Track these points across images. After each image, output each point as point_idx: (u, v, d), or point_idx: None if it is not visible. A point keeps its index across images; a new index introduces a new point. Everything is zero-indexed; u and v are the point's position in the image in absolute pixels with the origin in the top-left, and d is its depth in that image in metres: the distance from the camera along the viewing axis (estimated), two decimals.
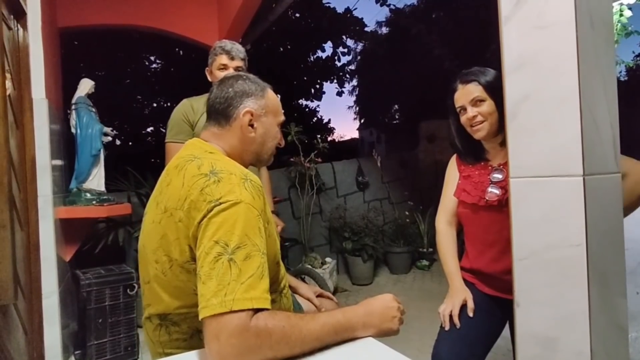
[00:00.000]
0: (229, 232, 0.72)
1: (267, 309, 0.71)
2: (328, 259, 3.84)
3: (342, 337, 0.77)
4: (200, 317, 0.69)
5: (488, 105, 1.22)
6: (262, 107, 0.96)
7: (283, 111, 1.04)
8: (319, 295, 1.29)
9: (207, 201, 0.75)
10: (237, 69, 1.81)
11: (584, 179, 0.80)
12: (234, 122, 0.94)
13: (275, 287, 0.94)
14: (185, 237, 0.78)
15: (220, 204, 0.74)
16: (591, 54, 0.84)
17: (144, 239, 0.90)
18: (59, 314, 2.02)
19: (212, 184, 0.77)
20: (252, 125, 0.94)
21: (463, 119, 1.27)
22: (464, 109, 1.26)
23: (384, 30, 10.40)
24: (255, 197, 0.78)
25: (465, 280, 1.34)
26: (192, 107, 1.83)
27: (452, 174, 1.42)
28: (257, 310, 0.69)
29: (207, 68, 1.87)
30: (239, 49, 1.83)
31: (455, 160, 1.43)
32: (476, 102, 1.23)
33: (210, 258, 0.70)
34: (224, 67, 1.80)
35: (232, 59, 1.80)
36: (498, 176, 1.25)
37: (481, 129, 1.23)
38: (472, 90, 1.24)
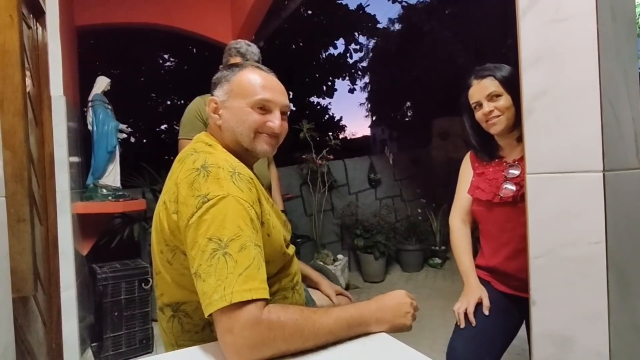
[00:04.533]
0: (220, 227, 0.72)
1: (266, 299, 0.71)
2: (340, 256, 3.84)
3: (355, 332, 0.77)
4: (205, 315, 0.70)
5: (505, 100, 1.21)
6: (225, 92, 0.93)
7: (268, 88, 0.92)
8: (339, 294, 1.29)
9: (195, 196, 0.76)
10: None
11: (603, 175, 0.78)
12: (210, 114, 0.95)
13: (286, 282, 0.94)
14: (179, 228, 0.79)
15: (208, 200, 0.74)
16: (612, 47, 0.82)
17: (152, 230, 0.92)
18: (77, 306, 2.07)
19: (201, 179, 0.78)
20: (219, 114, 0.94)
21: (478, 114, 1.26)
22: (479, 104, 1.25)
23: (397, 26, 10.30)
24: (244, 190, 0.79)
25: (480, 279, 1.33)
26: (206, 104, 1.86)
27: (466, 171, 1.41)
28: (266, 303, 0.70)
29: (220, 66, 1.87)
30: (253, 52, 1.80)
31: (470, 158, 1.41)
32: (492, 97, 1.22)
33: (206, 256, 0.71)
34: None
35: (247, 60, 1.77)
36: (514, 172, 1.24)
37: (497, 123, 1.22)
38: (488, 85, 1.22)
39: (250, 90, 0.91)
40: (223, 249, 0.70)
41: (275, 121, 0.92)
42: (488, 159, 1.33)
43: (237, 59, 1.76)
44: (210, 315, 0.70)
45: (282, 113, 0.95)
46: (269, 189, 1.94)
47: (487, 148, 1.33)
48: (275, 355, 0.69)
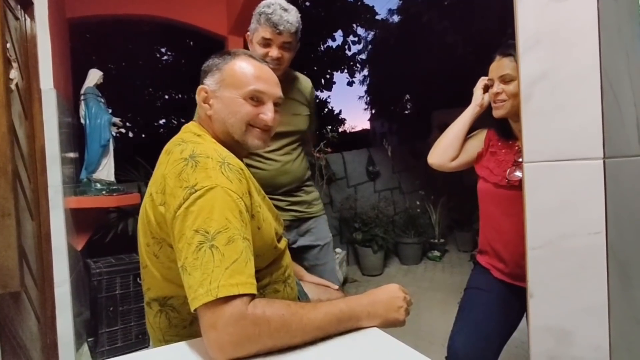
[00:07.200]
0: (207, 219, 0.70)
1: (253, 294, 0.68)
2: (338, 250, 3.82)
3: (346, 327, 0.75)
4: (192, 309, 0.67)
5: (515, 86, 1.15)
6: (216, 82, 0.90)
7: (261, 78, 0.89)
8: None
9: (183, 187, 0.73)
10: (283, 46, 1.37)
11: (604, 162, 0.75)
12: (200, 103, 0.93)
13: (277, 275, 0.91)
14: (166, 220, 0.77)
15: (196, 191, 0.72)
16: (614, 28, 0.79)
17: (139, 223, 0.89)
18: (71, 302, 2.05)
19: (189, 169, 0.75)
20: (210, 104, 0.91)
21: (490, 92, 1.22)
22: (492, 82, 1.21)
23: (395, 18, 10.19)
24: (233, 181, 0.76)
25: (481, 266, 1.31)
26: None
27: (478, 139, 1.36)
28: (252, 298, 0.68)
29: (247, 33, 1.44)
30: (289, 21, 1.34)
31: (487, 134, 1.36)
32: (505, 79, 1.17)
33: (192, 248, 0.69)
34: (267, 42, 1.36)
35: (280, 33, 1.34)
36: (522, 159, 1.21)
37: (501, 107, 1.19)
38: (505, 66, 1.17)
39: (243, 80, 0.88)
40: (210, 242, 0.68)
41: (269, 113, 0.90)
42: (503, 136, 1.28)
43: (267, 31, 1.34)
44: (196, 310, 0.67)
45: (275, 104, 0.93)
46: (302, 184, 1.62)
47: (502, 126, 1.28)
48: (260, 352, 0.66)
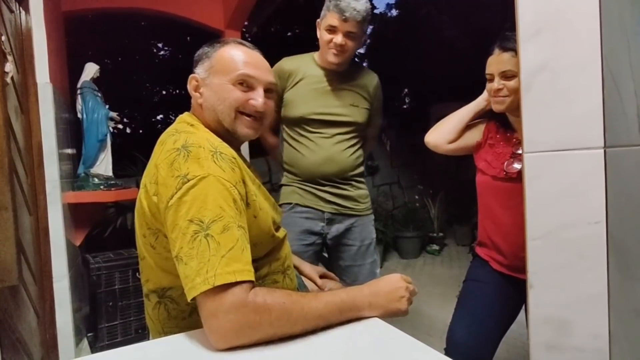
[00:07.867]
0: (201, 208, 0.70)
1: (252, 281, 0.68)
2: None
3: (347, 317, 0.75)
4: (188, 299, 0.67)
5: (517, 82, 1.13)
6: (206, 69, 0.90)
7: (250, 64, 0.88)
8: (323, 276, 1.26)
9: (175, 177, 0.73)
10: (348, 35, 1.39)
11: (604, 152, 0.75)
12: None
13: (276, 266, 0.91)
14: (160, 210, 0.77)
15: (188, 180, 0.72)
16: (615, 15, 0.78)
17: (135, 215, 0.89)
18: (70, 297, 2.05)
19: (181, 159, 0.75)
20: (200, 92, 0.91)
21: (488, 87, 1.21)
22: (492, 77, 1.19)
23: (394, 12, 10.15)
24: (226, 170, 0.76)
25: (480, 258, 1.32)
26: (284, 68, 1.53)
27: (475, 132, 1.36)
28: (251, 285, 0.68)
29: (318, 20, 1.47)
30: (356, 9, 1.34)
31: (486, 126, 1.35)
32: (506, 74, 1.15)
33: (187, 238, 0.68)
34: (333, 29, 1.39)
35: (345, 20, 1.35)
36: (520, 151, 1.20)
37: (502, 102, 1.17)
38: (506, 62, 1.15)
39: (232, 66, 0.88)
40: (205, 231, 0.68)
41: (258, 99, 0.88)
42: (502, 127, 1.28)
43: (334, 17, 1.36)
44: (195, 299, 0.67)
45: (267, 91, 0.92)
46: (351, 178, 1.58)
47: (502, 117, 1.27)
48: (262, 340, 0.66)
